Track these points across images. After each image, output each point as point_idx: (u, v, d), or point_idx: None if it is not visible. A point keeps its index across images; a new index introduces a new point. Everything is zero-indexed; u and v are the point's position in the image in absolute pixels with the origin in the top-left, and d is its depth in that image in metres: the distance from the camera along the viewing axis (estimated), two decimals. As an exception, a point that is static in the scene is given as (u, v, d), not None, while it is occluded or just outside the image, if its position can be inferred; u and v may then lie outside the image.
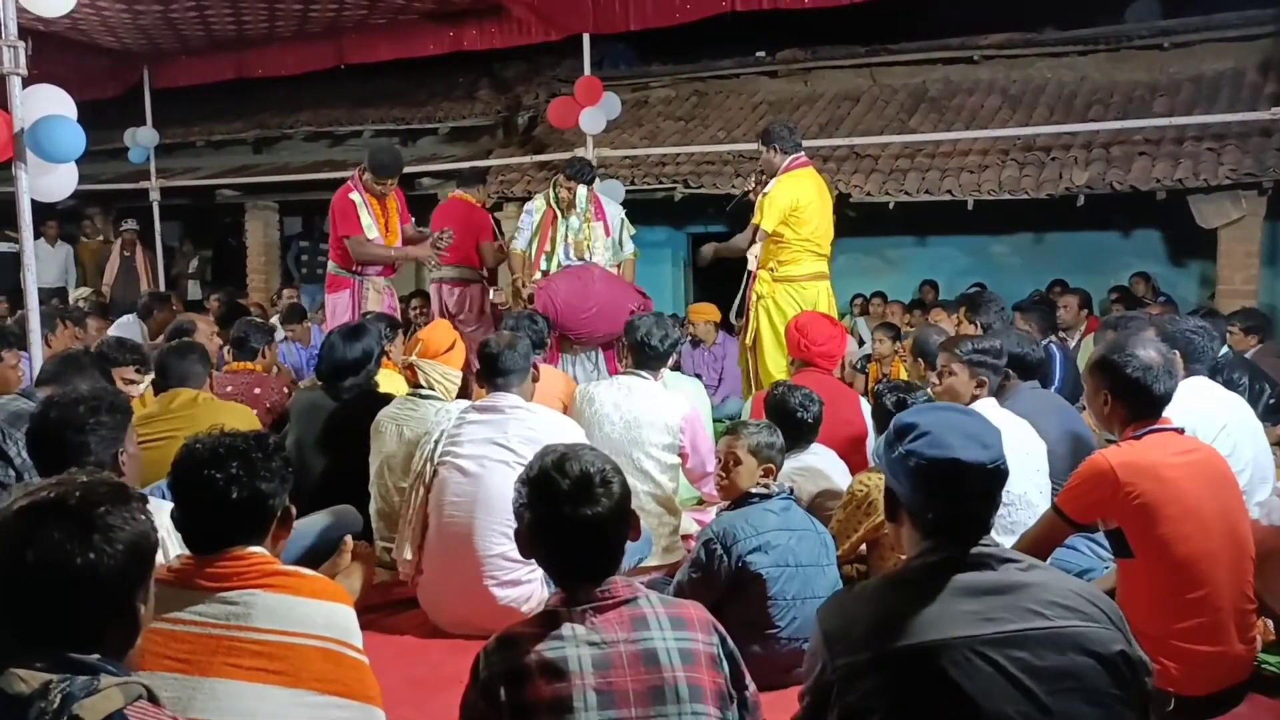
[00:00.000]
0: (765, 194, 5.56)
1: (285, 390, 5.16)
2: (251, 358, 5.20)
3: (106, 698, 1.33)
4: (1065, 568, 3.10)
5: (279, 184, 11.43)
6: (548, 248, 6.23)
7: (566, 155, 9.58)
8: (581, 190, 6.22)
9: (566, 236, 6.22)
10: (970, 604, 1.70)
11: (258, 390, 4.87)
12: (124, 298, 9.81)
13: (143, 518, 1.47)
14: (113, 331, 6.66)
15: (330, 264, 6.18)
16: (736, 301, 5.82)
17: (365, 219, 5.91)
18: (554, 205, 6.27)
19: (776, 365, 5.56)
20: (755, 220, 5.53)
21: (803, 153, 5.73)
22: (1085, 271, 8.84)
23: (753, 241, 5.54)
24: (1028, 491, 3.41)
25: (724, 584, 2.95)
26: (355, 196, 5.94)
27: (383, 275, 6.14)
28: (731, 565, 2.91)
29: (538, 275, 6.16)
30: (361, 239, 5.91)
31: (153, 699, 1.41)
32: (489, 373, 3.58)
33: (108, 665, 1.40)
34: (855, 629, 1.71)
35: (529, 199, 10.12)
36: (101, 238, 11.58)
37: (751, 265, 5.61)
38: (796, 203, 5.46)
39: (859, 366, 7.24)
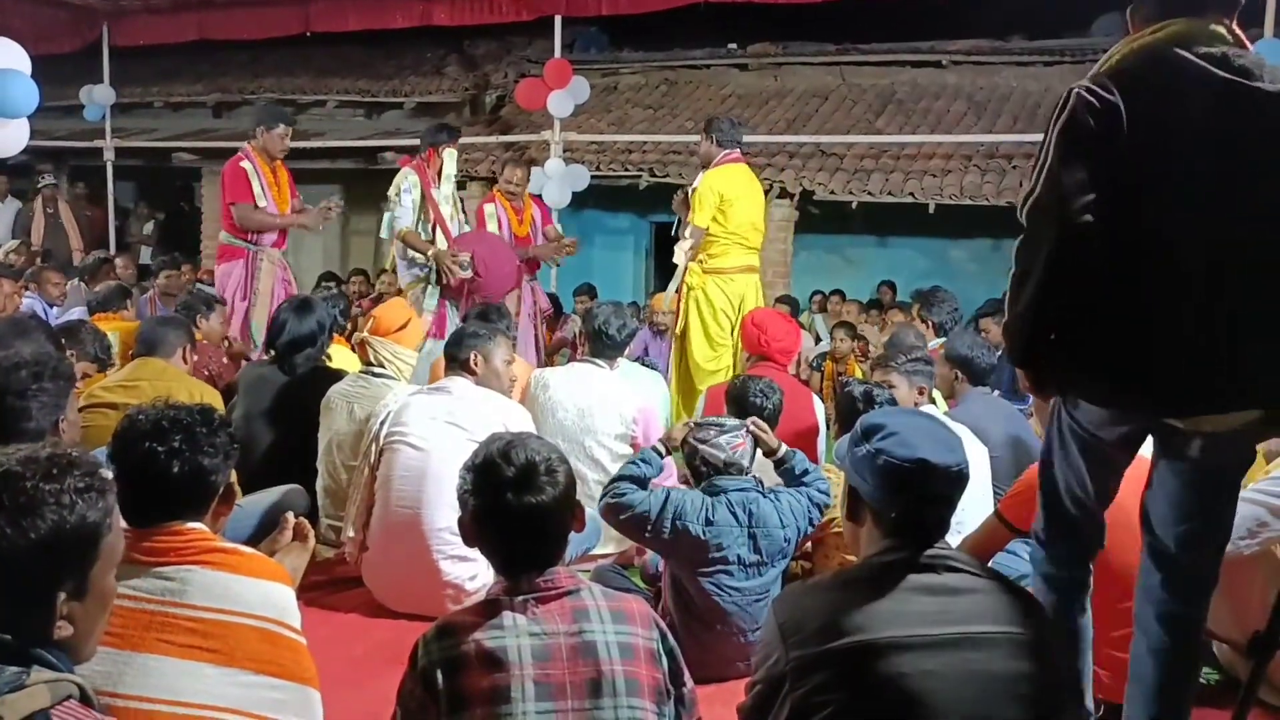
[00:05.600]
0: (694, 189, 5.61)
1: (225, 360, 5.09)
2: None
3: (31, 695, 1.28)
4: (1006, 572, 3.15)
5: (237, 150, 11.20)
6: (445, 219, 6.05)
7: (533, 137, 9.55)
8: (451, 153, 6.08)
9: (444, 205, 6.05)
10: (925, 603, 1.73)
11: (195, 358, 4.77)
12: (53, 256, 9.49)
13: (83, 501, 1.38)
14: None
15: (222, 234, 6.01)
16: (669, 295, 5.87)
17: (256, 186, 5.78)
18: (431, 175, 5.99)
19: (703, 355, 5.61)
20: (689, 217, 5.56)
21: (738, 149, 5.77)
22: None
23: (687, 238, 5.57)
24: (969, 495, 3.46)
25: (664, 544, 3.02)
26: (246, 165, 5.81)
27: (276, 246, 5.99)
28: (673, 535, 2.95)
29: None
30: (250, 206, 5.77)
31: (85, 699, 1.36)
32: (446, 359, 3.58)
33: (48, 655, 1.35)
34: (810, 622, 1.73)
35: (492, 179, 10.17)
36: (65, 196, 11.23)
37: (679, 259, 5.65)
38: (722, 196, 5.50)
39: (815, 364, 7.28)
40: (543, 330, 6.64)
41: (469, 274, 5.63)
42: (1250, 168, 2.06)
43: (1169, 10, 2.13)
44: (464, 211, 6.24)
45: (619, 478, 3.08)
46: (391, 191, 5.93)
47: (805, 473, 3.21)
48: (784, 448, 3.29)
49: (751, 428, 3.20)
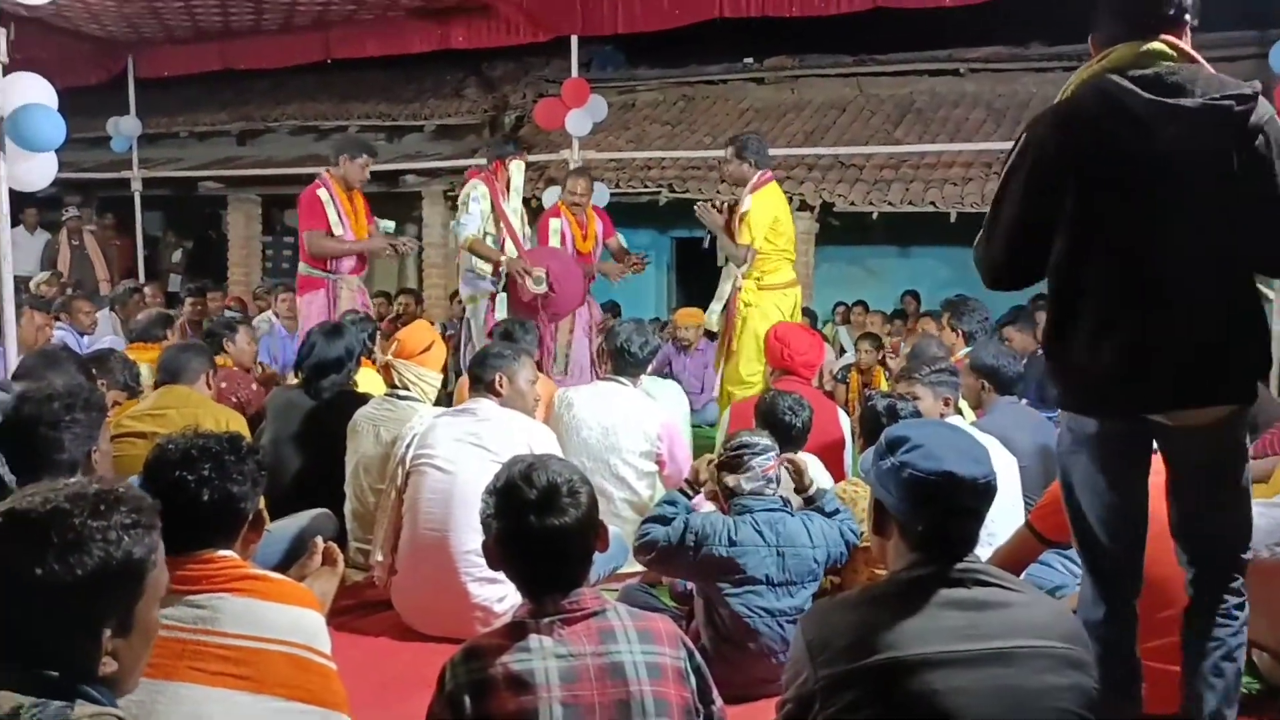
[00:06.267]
0: (745, 212, 5.61)
1: (254, 386, 5.14)
2: (217, 352, 5.17)
3: None
4: (1038, 583, 3.13)
5: (262, 177, 11.37)
6: (515, 231, 6.03)
7: (552, 156, 9.59)
8: (518, 165, 6.04)
9: (513, 218, 6.02)
10: (955, 618, 1.71)
11: (224, 384, 4.82)
12: (81, 287, 9.64)
13: (129, 536, 1.38)
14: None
15: (301, 265, 6.00)
16: (716, 313, 5.84)
17: (332, 214, 5.78)
18: (500, 187, 5.98)
19: (750, 370, 5.60)
20: (743, 240, 5.58)
21: (769, 168, 5.81)
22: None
23: (744, 261, 5.58)
24: (999, 507, 3.43)
25: (689, 569, 3.04)
26: (322, 193, 5.80)
27: (354, 273, 5.97)
28: (697, 559, 2.95)
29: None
30: (322, 234, 5.75)
31: None
32: (471, 380, 3.59)
33: (92, 690, 1.35)
34: (839, 639, 1.72)
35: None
36: (93, 227, 11.40)
37: (727, 285, 5.67)
38: (775, 218, 5.57)
39: (840, 376, 7.25)
40: (598, 342, 6.63)
41: (544, 289, 5.59)
42: (1186, 178, 2.17)
43: (1115, 35, 2.27)
44: (529, 226, 6.18)
45: (646, 519, 3.10)
46: (460, 201, 5.92)
47: (836, 512, 3.20)
48: (815, 486, 3.29)
49: (787, 466, 3.21)
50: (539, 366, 5.70)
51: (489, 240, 5.81)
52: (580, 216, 6.26)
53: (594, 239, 6.32)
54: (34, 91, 4.72)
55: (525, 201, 8.77)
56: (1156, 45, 2.21)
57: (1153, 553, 2.62)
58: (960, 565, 1.80)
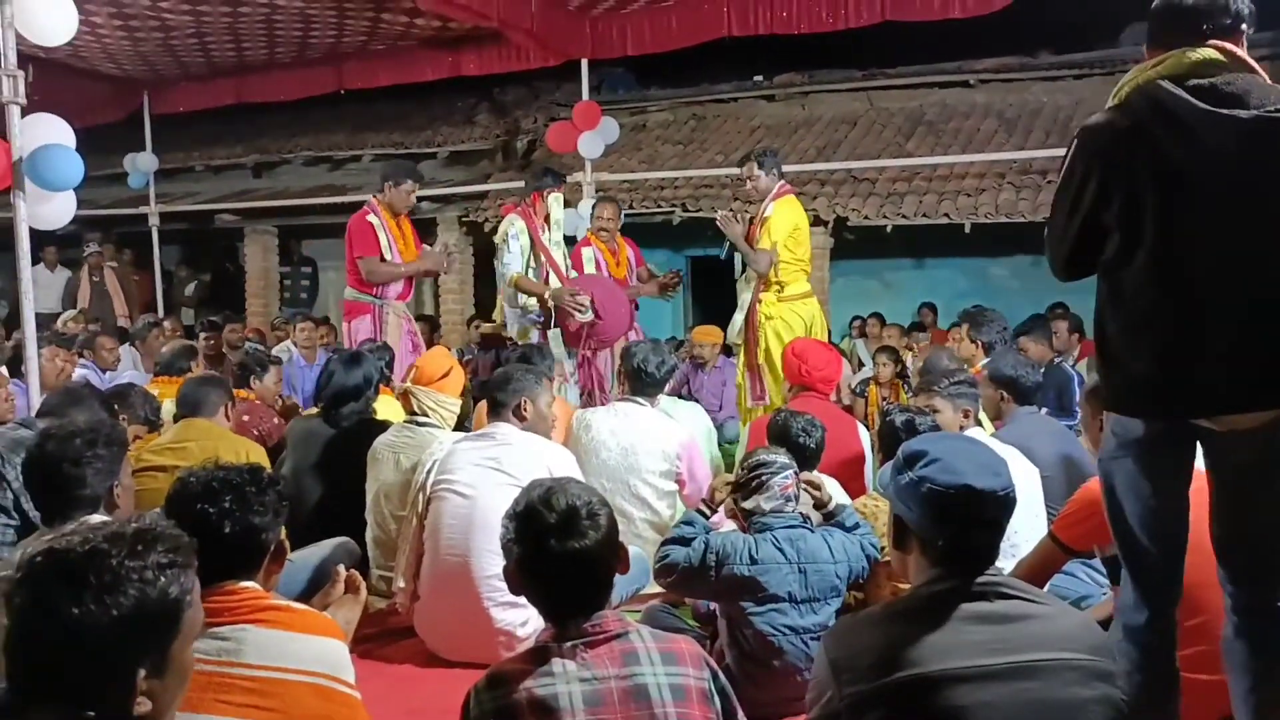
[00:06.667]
0: (767, 218, 5.65)
1: (276, 420, 5.17)
2: (242, 385, 5.22)
3: None
4: (1062, 594, 3.10)
5: (278, 208, 11.47)
6: (558, 263, 5.98)
7: (566, 180, 9.64)
8: (557, 197, 6.04)
9: (554, 250, 5.99)
10: (979, 633, 1.70)
11: (246, 418, 4.86)
12: (100, 322, 9.72)
13: (165, 576, 1.39)
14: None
15: (348, 290, 6.00)
16: (738, 324, 5.84)
17: (383, 240, 5.78)
18: (539, 221, 5.95)
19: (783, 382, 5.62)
20: (763, 245, 5.60)
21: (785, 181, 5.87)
22: (1083, 293, 8.71)
23: (767, 267, 5.61)
24: (1021, 518, 3.41)
25: (711, 590, 3.03)
26: (373, 219, 5.82)
27: (401, 299, 5.99)
28: (719, 579, 2.93)
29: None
30: (376, 259, 5.77)
31: None
32: (490, 405, 3.60)
33: None
34: (863, 657, 1.71)
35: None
36: (114, 263, 11.51)
37: (757, 294, 5.68)
38: (796, 226, 5.65)
39: (858, 390, 7.23)
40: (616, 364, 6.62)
41: (590, 316, 5.59)
42: (1237, 186, 2.18)
43: (1171, 42, 2.27)
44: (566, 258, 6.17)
45: (665, 540, 3.09)
46: (498, 239, 5.92)
47: (856, 526, 3.19)
48: (834, 502, 3.28)
49: (805, 486, 3.20)
50: (590, 395, 5.73)
51: (531, 275, 5.82)
52: (611, 244, 6.29)
53: (626, 265, 6.35)
54: (52, 132, 4.79)
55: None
56: (1212, 53, 2.22)
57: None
58: (982, 578, 1.79)
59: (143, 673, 1.37)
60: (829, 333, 8.75)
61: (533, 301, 5.80)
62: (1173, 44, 2.26)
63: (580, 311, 5.55)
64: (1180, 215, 2.20)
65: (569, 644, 1.76)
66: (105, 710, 1.34)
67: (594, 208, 6.49)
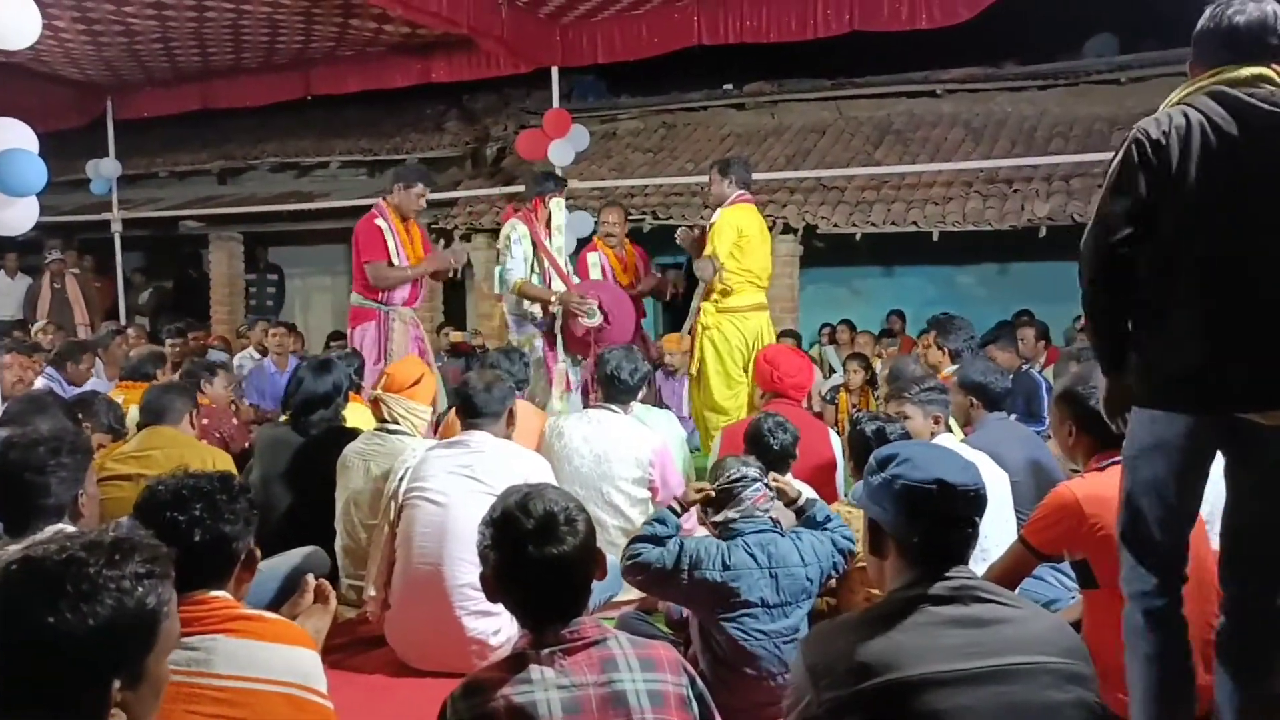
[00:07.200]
0: (711, 224, 5.64)
1: (235, 422, 5.11)
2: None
3: None
4: (1032, 598, 3.11)
5: (244, 215, 11.35)
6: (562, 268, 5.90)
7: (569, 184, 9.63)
8: (558, 202, 5.94)
9: (557, 255, 5.90)
10: (955, 636, 1.71)
11: (205, 421, 4.79)
12: (61, 330, 9.54)
13: (143, 586, 1.37)
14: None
15: (354, 295, 5.86)
16: (685, 330, 5.85)
17: (391, 244, 5.65)
18: (540, 226, 5.87)
19: (722, 395, 5.60)
20: (707, 252, 5.58)
21: (748, 190, 5.81)
22: (1049, 301, 8.96)
23: (711, 274, 5.57)
24: (991, 522, 3.44)
25: (682, 593, 3.02)
26: (381, 222, 5.69)
27: (408, 305, 5.84)
28: (690, 583, 2.93)
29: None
30: (384, 264, 5.63)
31: None
32: (464, 412, 3.57)
33: None
34: (840, 662, 1.71)
35: (496, 230, 10.21)
36: (76, 270, 11.32)
37: (696, 303, 5.66)
38: (739, 233, 5.55)
39: (828, 397, 7.26)
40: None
41: (598, 321, 5.53)
42: None
43: (1216, 60, 2.38)
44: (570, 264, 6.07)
45: (636, 539, 3.07)
46: (500, 244, 5.82)
47: (827, 519, 3.19)
48: (804, 497, 3.28)
49: (771, 484, 3.20)
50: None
51: (534, 280, 5.73)
52: (618, 250, 6.20)
53: (633, 271, 6.25)
54: (14, 137, 4.71)
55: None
56: (1262, 70, 2.34)
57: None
58: (957, 582, 1.80)
59: (118, 684, 1.35)
60: (802, 340, 8.84)
61: (536, 308, 5.73)
62: (1221, 63, 2.37)
63: (588, 316, 5.49)
64: (1236, 211, 2.28)
65: (547, 651, 1.75)
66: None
67: (600, 211, 6.42)
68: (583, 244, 6.51)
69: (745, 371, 5.61)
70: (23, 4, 4.67)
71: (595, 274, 6.07)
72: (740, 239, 5.54)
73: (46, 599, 1.31)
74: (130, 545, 1.40)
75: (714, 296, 5.63)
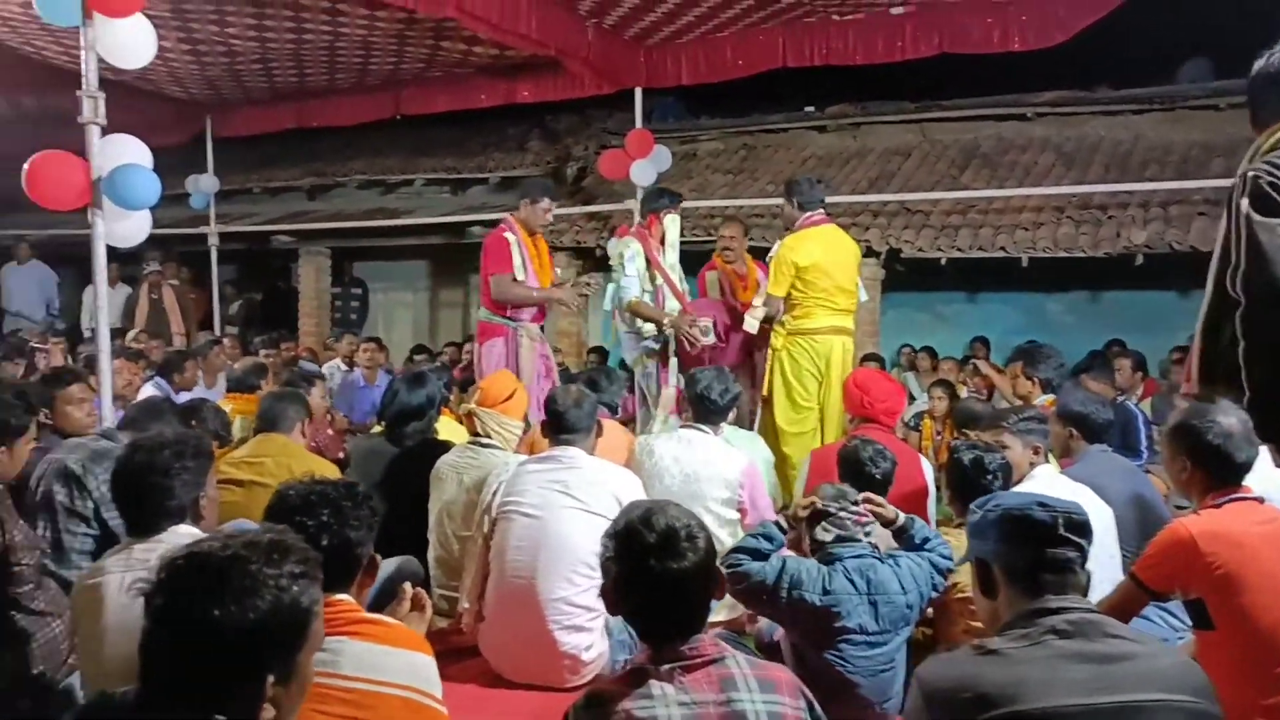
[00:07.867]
0: (771, 257, 5.51)
1: (330, 431, 5.22)
2: None
3: None
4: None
5: (332, 230, 11.65)
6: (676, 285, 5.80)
7: (616, 206, 9.70)
8: (673, 219, 5.83)
9: (671, 272, 5.79)
10: (1079, 671, 1.68)
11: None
12: (158, 338, 9.84)
13: (298, 585, 1.43)
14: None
15: (481, 310, 5.80)
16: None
17: (517, 258, 5.58)
18: (654, 243, 5.77)
19: (786, 419, 5.48)
20: (769, 290, 5.49)
21: (822, 209, 5.62)
22: (1142, 331, 8.73)
23: (776, 313, 5.46)
24: (1096, 557, 3.36)
25: (780, 611, 3.01)
26: (510, 236, 5.63)
27: (535, 321, 5.74)
28: (789, 601, 2.91)
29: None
30: (508, 278, 5.55)
31: None
32: (554, 429, 3.61)
33: None
34: (959, 694, 1.69)
35: (576, 249, 10.31)
36: (174, 281, 11.70)
37: (748, 325, 5.51)
38: (796, 267, 5.40)
39: (911, 424, 7.17)
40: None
41: (712, 340, 5.43)
42: None
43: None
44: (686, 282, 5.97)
45: (738, 548, 3.07)
46: (613, 261, 5.75)
47: (926, 540, 3.15)
48: (903, 516, 3.25)
49: (868, 507, 3.17)
50: None
51: (645, 298, 5.68)
52: (738, 266, 5.98)
53: (755, 288, 5.94)
54: (130, 152, 4.90)
55: (589, 251, 8.72)
56: None
57: (1263, 602, 2.55)
58: (1077, 615, 1.77)
59: (271, 679, 1.39)
60: (885, 364, 8.73)
61: (649, 327, 5.64)
62: None
63: (703, 336, 5.39)
64: None
65: (666, 667, 1.76)
66: (234, 714, 1.37)
67: (720, 226, 6.26)
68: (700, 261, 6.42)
69: (816, 396, 5.49)
70: (140, 25, 4.88)
71: (714, 292, 5.93)
72: (798, 271, 5.39)
73: (213, 592, 1.36)
74: (286, 546, 1.46)
75: (783, 319, 5.51)
